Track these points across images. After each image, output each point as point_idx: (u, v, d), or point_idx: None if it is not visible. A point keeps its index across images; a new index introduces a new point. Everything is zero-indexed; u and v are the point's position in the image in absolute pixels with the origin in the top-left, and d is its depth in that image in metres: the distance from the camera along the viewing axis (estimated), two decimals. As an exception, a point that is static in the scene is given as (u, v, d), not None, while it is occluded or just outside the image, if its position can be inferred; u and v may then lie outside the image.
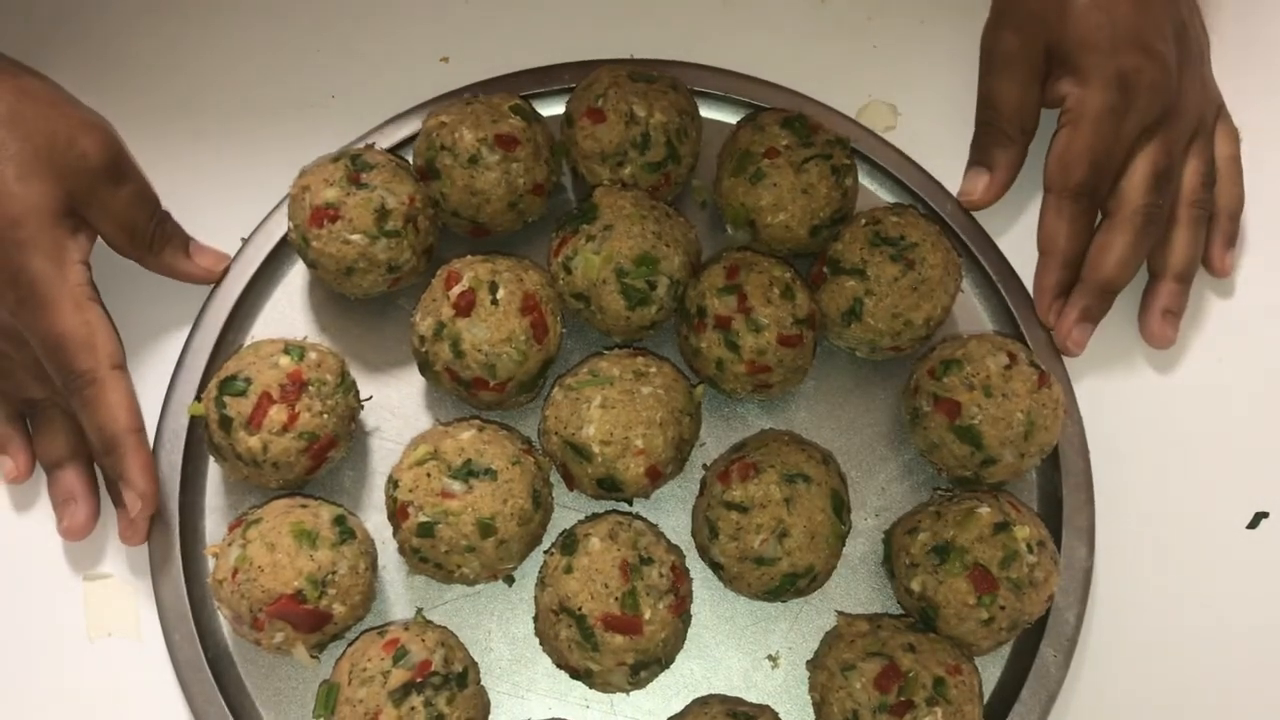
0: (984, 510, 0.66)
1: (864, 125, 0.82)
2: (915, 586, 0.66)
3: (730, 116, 0.82)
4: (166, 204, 0.76)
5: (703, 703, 0.67)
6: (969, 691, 0.63)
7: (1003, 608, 0.64)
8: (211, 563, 0.69)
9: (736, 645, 0.71)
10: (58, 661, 0.71)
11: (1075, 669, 0.71)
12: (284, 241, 0.77)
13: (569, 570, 0.65)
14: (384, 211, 0.70)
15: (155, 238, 0.74)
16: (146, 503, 0.69)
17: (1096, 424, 0.75)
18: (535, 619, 0.68)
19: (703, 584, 0.71)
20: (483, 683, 0.67)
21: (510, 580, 0.71)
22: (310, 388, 0.67)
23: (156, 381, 0.75)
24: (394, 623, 0.68)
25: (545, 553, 0.69)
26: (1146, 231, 0.76)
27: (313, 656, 0.66)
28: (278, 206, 0.78)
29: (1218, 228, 0.80)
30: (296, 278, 0.78)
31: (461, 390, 0.70)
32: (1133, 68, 0.75)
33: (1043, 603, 0.66)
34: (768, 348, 0.69)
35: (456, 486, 0.65)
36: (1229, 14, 0.87)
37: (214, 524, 0.73)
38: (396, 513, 0.66)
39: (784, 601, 0.70)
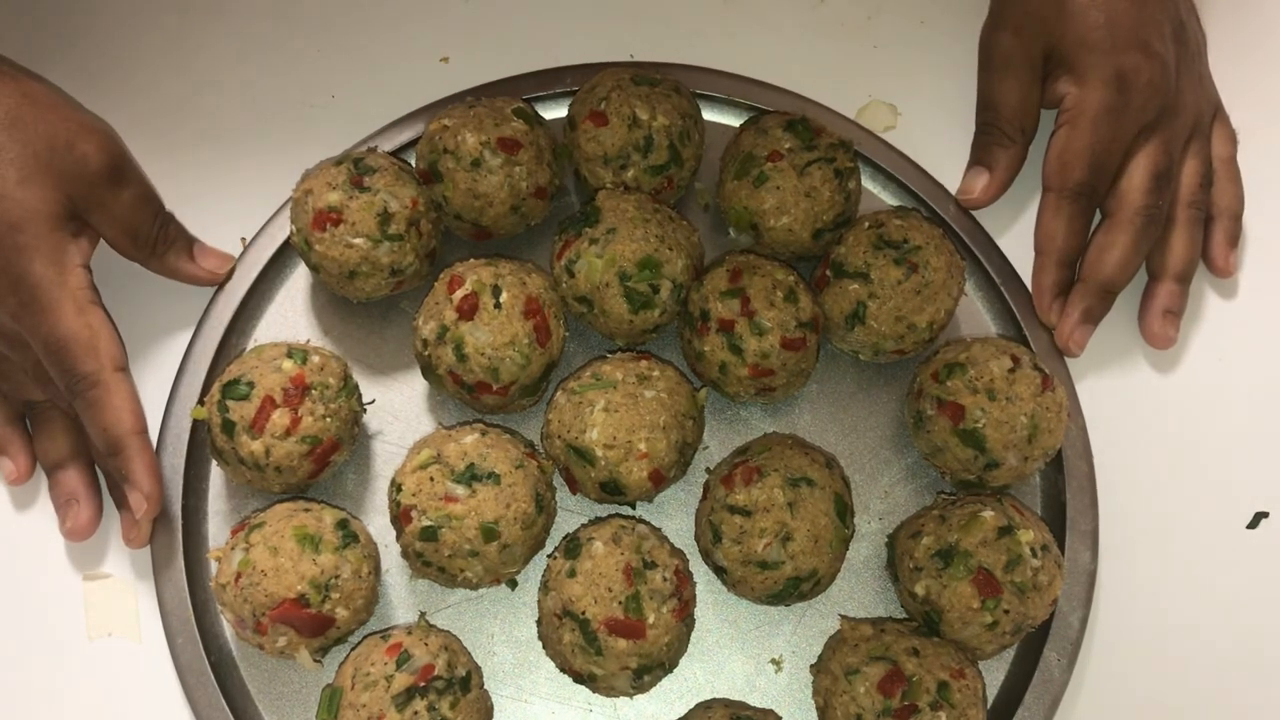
0: (988, 514, 0.66)
1: (865, 127, 0.82)
2: (919, 590, 0.66)
3: (733, 119, 0.82)
4: (169, 205, 0.76)
5: (706, 707, 0.67)
6: (973, 696, 0.63)
7: (1007, 612, 0.64)
8: (214, 567, 0.69)
9: (740, 649, 0.71)
10: (57, 661, 0.71)
11: (1079, 673, 0.71)
12: (287, 245, 0.77)
13: (572, 574, 0.64)
14: (386, 215, 0.70)
15: (158, 240, 0.74)
16: (152, 503, 0.69)
17: (1097, 425, 0.75)
18: (538, 623, 0.68)
19: (706, 588, 0.71)
20: (486, 687, 0.67)
21: (513, 584, 0.71)
22: (313, 391, 0.67)
23: (159, 385, 0.75)
24: (397, 627, 0.68)
25: (548, 556, 0.69)
26: (1146, 232, 0.76)
27: (316, 661, 0.66)
28: (280, 209, 0.78)
29: (1220, 227, 0.80)
30: (299, 281, 0.78)
31: (464, 394, 0.70)
32: (1130, 67, 0.75)
33: (1047, 606, 0.66)
34: (771, 351, 0.69)
35: (459, 490, 0.65)
36: (1226, 13, 0.87)
37: (216, 528, 0.73)
38: (399, 517, 0.66)
39: (787, 605, 0.70)
